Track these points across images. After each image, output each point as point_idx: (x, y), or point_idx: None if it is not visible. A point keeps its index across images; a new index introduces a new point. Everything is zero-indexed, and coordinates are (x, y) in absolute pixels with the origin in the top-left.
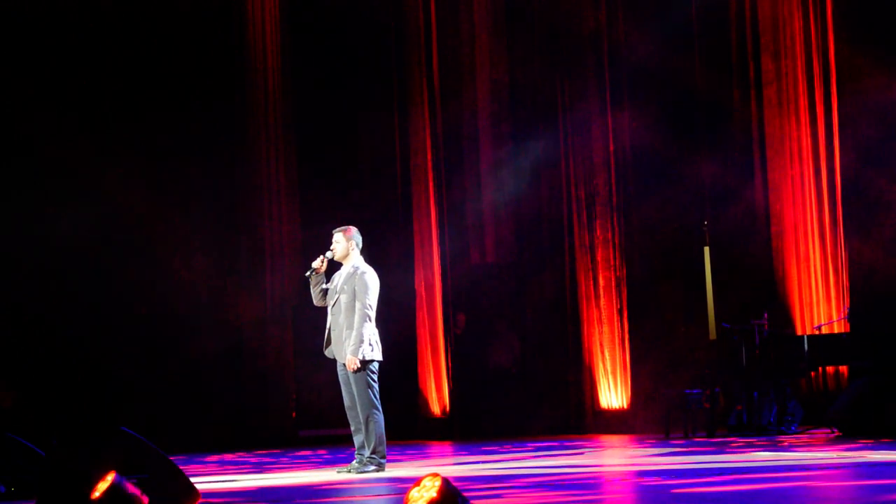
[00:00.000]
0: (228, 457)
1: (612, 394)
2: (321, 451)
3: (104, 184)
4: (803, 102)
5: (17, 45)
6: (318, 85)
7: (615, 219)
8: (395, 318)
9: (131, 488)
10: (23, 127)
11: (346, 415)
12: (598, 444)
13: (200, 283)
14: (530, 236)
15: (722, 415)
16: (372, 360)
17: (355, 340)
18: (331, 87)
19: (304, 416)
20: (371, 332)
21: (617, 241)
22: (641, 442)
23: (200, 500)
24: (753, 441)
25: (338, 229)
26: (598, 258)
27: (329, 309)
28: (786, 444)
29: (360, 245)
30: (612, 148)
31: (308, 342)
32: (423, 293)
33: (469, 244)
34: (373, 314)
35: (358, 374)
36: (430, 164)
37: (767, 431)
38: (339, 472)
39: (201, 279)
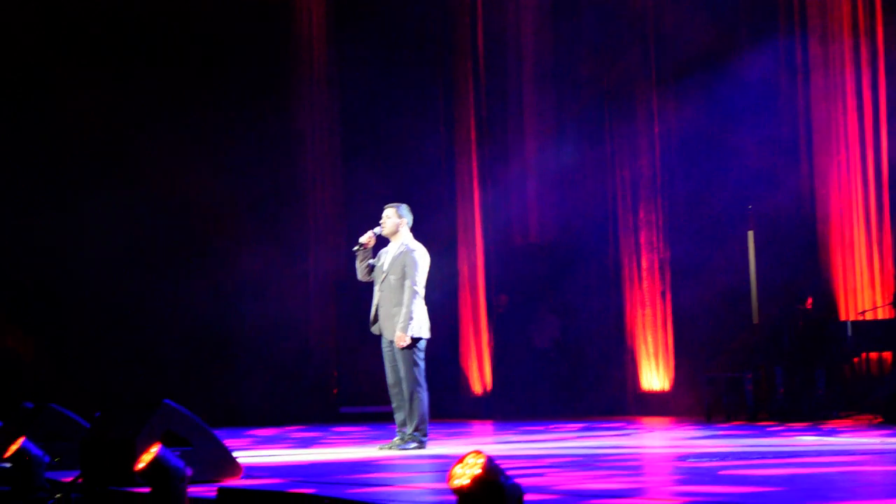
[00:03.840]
0: (269, 431)
1: (654, 376)
2: (362, 428)
3: (150, 161)
4: (850, 87)
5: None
6: (364, 63)
7: (659, 201)
8: (437, 297)
9: (175, 460)
10: (75, 108)
11: (388, 392)
12: (639, 426)
13: (243, 258)
14: (574, 218)
15: (764, 399)
16: (420, 338)
17: (405, 317)
18: (376, 65)
19: (346, 392)
20: (420, 310)
21: (661, 224)
22: (683, 425)
23: (242, 474)
24: (795, 426)
25: (389, 205)
26: (642, 240)
27: (377, 286)
28: (828, 429)
29: (411, 222)
30: (656, 129)
31: (350, 318)
32: (466, 273)
33: (512, 225)
34: (422, 291)
35: (405, 351)
36: (474, 145)
37: (809, 416)
38: (380, 448)
39: (244, 254)
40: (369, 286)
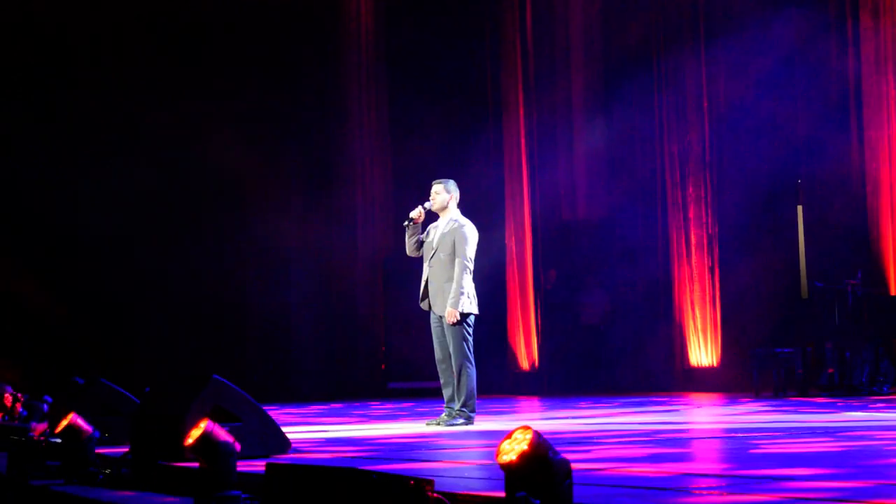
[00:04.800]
0: (318, 407)
1: (702, 351)
2: (409, 403)
3: (198, 135)
4: None
5: None
6: (414, 40)
7: (708, 176)
8: (485, 273)
9: (224, 435)
10: (120, 82)
11: (436, 367)
12: (687, 402)
13: (292, 234)
14: (622, 192)
15: (813, 374)
16: (469, 314)
17: (455, 293)
18: (426, 41)
19: (394, 367)
20: (469, 286)
21: (709, 199)
22: (731, 400)
23: (290, 449)
24: (844, 401)
25: (437, 181)
26: (691, 215)
27: (426, 262)
28: (877, 404)
29: (458, 198)
30: (705, 104)
31: (398, 293)
32: (514, 248)
33: (560, 201)
34: (472, 266)
35: (455, 326)
36: (522, 119)
37: (858, 392)
38: (428, 424)
39: (293, 230)
40: (418, 261)
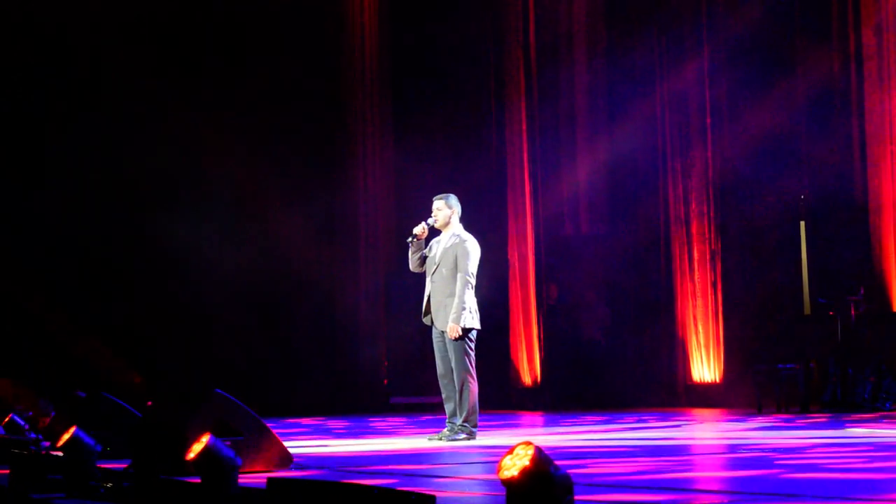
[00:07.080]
0: (320, 422)
1: (705, 367)
2: (412, 418)
3: (199, 146)
4: None
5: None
6: (414, 50)
7: (711, 191)
8: (487, 287)
9: (225, 450)
10: (119, 84)
11: (438, 382)
12: (689, 418)
13: (294, 250)
14: (625, 208)
15: (815, 391)
16: (471, 329)
17: (457, 308)
18: (428, 55)
19: (396, 382)
20: (471, 300)
21: (712, 214)
22: (734, 416)
23: (292, 464)
24: (847, 417)
25: (438, 196)
26: (693, 231)
27: (428, 277)
28: (880, 421)
29: (460, 212)
30: (708, 120)
31: (400, 309)
32: (516, 263)
33: (563, 215)
34: (473, 281)
35: (457, 341)
36: (525, 135)
37: (861, 408)
38: (430, 439)
39: (295, 245)
40: (420, 276)
